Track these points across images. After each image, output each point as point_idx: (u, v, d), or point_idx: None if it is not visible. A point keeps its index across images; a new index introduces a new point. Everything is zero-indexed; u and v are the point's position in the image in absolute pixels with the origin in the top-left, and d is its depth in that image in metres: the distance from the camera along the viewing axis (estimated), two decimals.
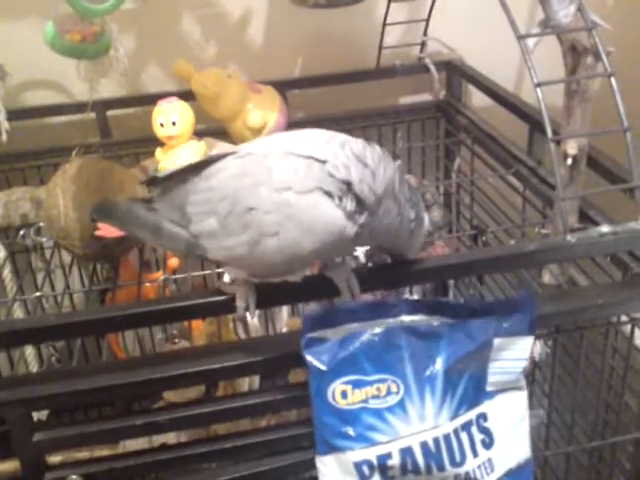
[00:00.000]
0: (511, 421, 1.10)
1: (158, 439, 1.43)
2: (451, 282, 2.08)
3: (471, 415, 1.07)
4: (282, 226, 1.02)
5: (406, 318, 1.06)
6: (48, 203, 1.46)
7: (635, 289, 1.24)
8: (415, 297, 2.00)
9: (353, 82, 2.16)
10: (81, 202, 1.44)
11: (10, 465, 1.45)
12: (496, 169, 1.87)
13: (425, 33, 2.14)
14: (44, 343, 1.73)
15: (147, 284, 1.69)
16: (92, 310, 1.36)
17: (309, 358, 1.03)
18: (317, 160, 1.03)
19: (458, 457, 1.06)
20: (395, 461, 1.04)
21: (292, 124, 1.92)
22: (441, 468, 1.05)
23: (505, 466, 1.10)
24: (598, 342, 1.37)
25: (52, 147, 2.01)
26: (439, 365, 1.04)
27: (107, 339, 1.77)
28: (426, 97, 2.26)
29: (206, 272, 1.66)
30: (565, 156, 1.35)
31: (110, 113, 2.06)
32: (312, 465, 1.08)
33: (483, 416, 1.08)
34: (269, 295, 1.16)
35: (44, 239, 1.70)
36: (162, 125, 1.62)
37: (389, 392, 1.04)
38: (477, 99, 2.19)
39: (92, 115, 2.02)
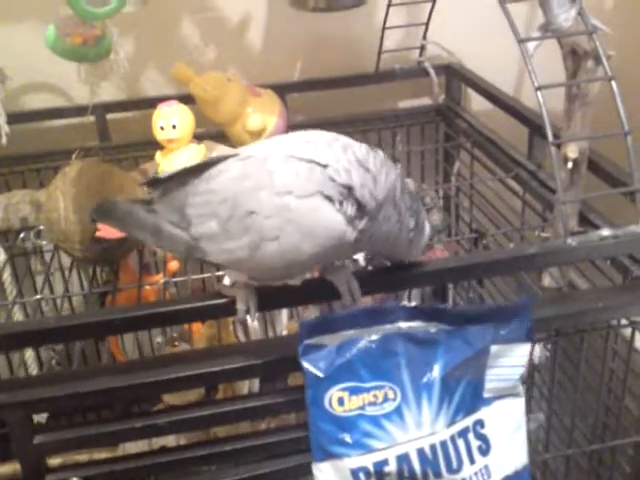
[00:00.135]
0: (508, 428, 1.09)
1: (158, 442, 1.43)
2: (450, 285, 2.08)
3: (468, 422, 1.07)
4: (282, 230, 1.02)
5: (403, 325, 1.06)
6: (48, 206, 1.46)
7: (635, 292, 1.24)
8: (414, 301, 2.01)
9: (352, 86, 2.16)
10: (81, 205, 1.44)
11: (9, 467, 1.46)
12: (496, 173, 1.87)
13: (424, 37, 2.14)
14: (44, 346, 1.73)
15: (147, 287, 1.68)
16: (92, 313, 1.36)
17: (306, 365, 1.03)
18: (318, 164, 1.03)
19: (455, 464, 1.05)
20: (392, 468, 1.03)
21: (292, 128, 1.91)
22: (438, 475, 1.05)
23: (502, 473, 1.09)
24: (598, 345, 1.37)
25: (51, 150, 2.01)
26: (436, 372, 1.04)
27: (107, 342, 1.77)
28: (425, 101, 2.26)
29: (206, 275, 1.65)
30: (566, 160, 1.35)
31: (109, 116, 2.06)
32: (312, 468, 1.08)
33: (480, 423, 1.08)
34: (270, 298, 1.16)
35: (44, 242, 1.69)
36: (162, 128, 1.62)
37: (386, 399, 1.03)
38: (476, 103, 2.19)
39: (91, 118, 2.01)
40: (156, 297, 1.71)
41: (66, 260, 1.83)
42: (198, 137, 1.72)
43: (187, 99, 1.74)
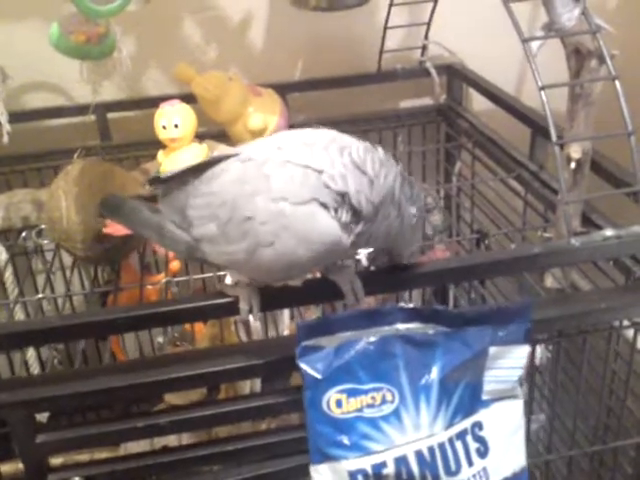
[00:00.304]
0: (506, 430, 1.09)
1: (159, 441, 1.42)
2: (451, 286, 2.08)
3: (466, 424, 1.07)
4: (278, 236, 1.02)
5: (401, 326, 1.05)
6: (50, 205, 1.46)
7: (638, 293, 1.24)
8: (414, 302, 2.01)
9: (354, 85, 2.16)
10: (83, 204, 1.44)
11: (11, 467, 1.46)
12: (497, 173, 1.87)
13: (426, 37, 2.14)
14: (47, 345, 1.73)
15: (149, 287, 1.68)
16: (95, 312, 1.36)
17: (304, 366, 1.02)
18: (314, 170, 1.03)
19: (453, 466, 1.05)
20: (390, 470, 1.03)
21: (292, 127, 1.91)
22: (436, 477, 1.05)
23: (500, 475, 1.09)
24: (600, 347, 1.36)
25: (52, 150, 2.01)
26: (434, 374, 1.04)
27: (109, 342, 1.77)
28: (427, 101, 2.26)
29: (207, 275, 1.65)
30: (569, 160, 1.34)
31: (110, 116, 2.05)
32: None
33: (478, 425, 1.08)
34: (272, 298, 1.16)
35: (45, 241, 1.69)
36: (164, 127, 1.62)
37: (384, 401, 1.03)
38: (478, 103, 2.19)
39: (92, 118, 2.01)
40: (157, 297, 1.71)
41: (67, 259, 1.83)
42: (199, 136, 1.72)
43: (188, 98, 1.74)
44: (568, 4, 1.26)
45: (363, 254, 1.49)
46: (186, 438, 1.48)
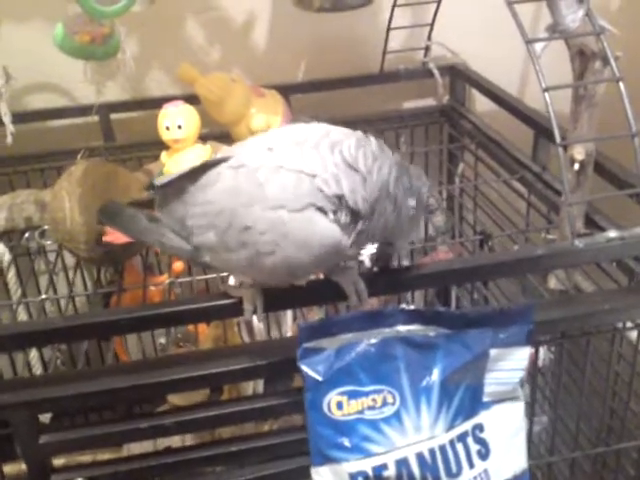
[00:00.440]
0: (507, 432, 1.09)
1: (163, 442, 1.42)
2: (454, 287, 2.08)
3: (467, 426, 1.07)
4: (278, 245, 1.02)
5: (402, 328, 1.05)
6: (53, 206, 1.46)
7: None
8: (417, 302, 2.01)
9: (357, 86, 2.16)
10: (87, 205, 1.44)
11: (14, 468, 1.46)
12: (500, 174, 1.87)
13: (429, 38, 2.14)
14: (50, 346, 1.73)
15: (152, 288, 1.68)
16: (99, 313, 1.36)
17: (305, 368, 1.02)
18: (307, 174, 1.03)
19: (454, 468, 1.05)
20: (391, 472, 1.03)
21: None
22: (437, 479, 1.04)
23: (501, 477, 1.09)
24: (603, 348, 1.36)
25: (55, 150, 2.01)
26: (435, 376, 1.04)
27: (112, 342, 1.77)
28: (430, 102, 2.26)
29: (210, 276, 1.65)
30: (572, 161, 1.34)
31: (114, 116, 2.06)
32: None
33: (479, 427, 1.07)
34: (276, 299, 1.16)
35: (48, 242, 1.69)
36: (168, 128, 1.62)
37: (385, 403, 1.03)
38: (481, 104, 2.19)
39: (95, 118, 2.01)
40: (161, 298, 1.71)
41: (70, 260, 1.83)
42: (203, 137, 1.72)
43: (192, 99, 1.74)
44: (572, 5, 1.26)
45: (366, 255, 1.49)
46: (189, 439, 1.48)
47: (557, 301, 1.36)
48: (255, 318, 1.14)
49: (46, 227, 1.66)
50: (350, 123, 2.00)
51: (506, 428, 1.09)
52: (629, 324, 1.30)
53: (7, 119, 1.80)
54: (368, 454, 1.03)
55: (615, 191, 1.48)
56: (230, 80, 1.80)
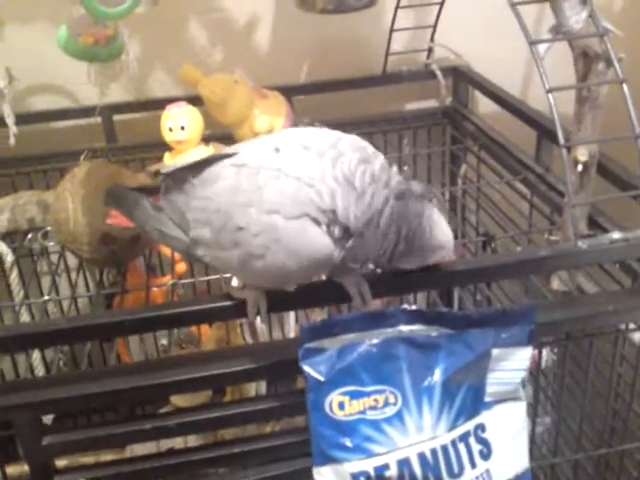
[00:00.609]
0: (509, 432, 1.09)
1: (165, 444, 1.42)
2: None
3: (469, 426, 1.06)
4: (269, 249, 1.03)
5: (404, 328, 1.04)
6: (56, 207, 1.46)
7: None
8: (418, 303, 2.01)
9: (359, 88, 2.16)
10: (90, 206, 1.44)
11: (16, 469, 1.46)
12: (503, 175, 1.87)
13: (432, 39, 2.14)
14: (53, 347, 1.73)
15: (155, 289, 1.68)
16: (103, 314, 1.35)
17: (306, 369, 1.02)
18: (305, 183, 1.03)
19: (456, 468, 1.05)
20: (393, 472, 1.03)
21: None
22: (439, 479, 1.05)
23: (503, 477, 1.09)
24: (606, 350, 1.36)
25: (58, 152, 2.01)
26: (437, 376, 1.04)
27: (115, 343, 1.77)
28: (432, 103, 2.26)
29: (213, 277, 1.65)
30: (576, 163, 1.34)
31: (116, 118, 2.06)
32: None
33: (481, 427, 1.07)
34: (280, 300, 1.16)
35: (51, 243, 1.69)
36: (171, 130, 1.62)
37: (387, 403, 1.03)
38: (483, 105, 2.19)
39: (98, 120, 2.01)
40: (163, 299, 1.71)
41: (73, 262, 1.83)
42: (205, 139, 1.72)
43: (194, 100, 1.74)
44: (576, 7, 1.26)
45: None
46: (192, 440, 1.48)
47: (560, 302, 1.36)
48: (258, 319, 1.14)
49: (49, 228, 1.66)
50: (353, 124, 2.05)
51: (508, 428, 1.09)
52: (632, 325, 1.30)
53: (10, 120, 1.80)
54: (370, 454, 1.03)
55: (618, 193, 1.47)
56: (233, 81, 1.80)
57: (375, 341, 1.03)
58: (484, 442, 1.07)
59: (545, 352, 1.48)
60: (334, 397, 1.02)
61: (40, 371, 1.81)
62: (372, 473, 1.02)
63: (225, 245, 1.07)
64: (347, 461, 1.02)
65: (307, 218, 1.02)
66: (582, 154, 1.33)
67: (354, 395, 1.02)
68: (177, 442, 1.45)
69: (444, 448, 1.04)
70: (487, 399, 1.07)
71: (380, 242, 1.07)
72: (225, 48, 2.11)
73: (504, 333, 1.05)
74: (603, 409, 1.40)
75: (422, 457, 1.03)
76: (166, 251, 1.68)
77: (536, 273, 1.48)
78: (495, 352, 1.05)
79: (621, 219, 1.42)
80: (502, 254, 1.60)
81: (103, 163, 1.68)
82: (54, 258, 1.79)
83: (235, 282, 1.42)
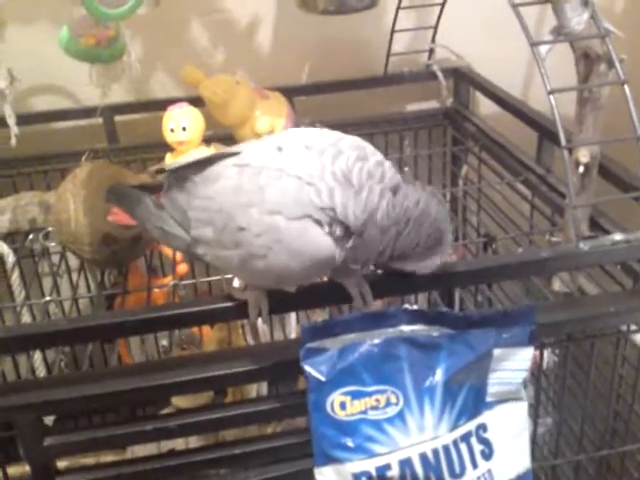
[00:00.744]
0: (511, 432, 1.09)
1: (167, 445, 1.42)
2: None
3: (471, 426, 1.06)
4: (271, 249, 1.03)
5: (405, 328, 1.05)
6: (58, 207, 1.46)
7: None
8: (419, 304, 2.01)
9: (360, 89, 2.16)
10: (91, 207, 1.44)
11: (17, 469, 1.46)
12: (504, 176, 1.86)
13: (433, 40, 2.14)
14: (55, 348, 1.72)
15: (156, 290, 1.68)
16: (104, 315, 1.35)
17: (308, 369, 1.02)
18: (305, 182, 1.03)
19: (457, 468, 1.05)
20: (394, 472, 1.03)
21: None
22: (440, 479, 1.05)
23: (505, 477, 1.09)
24: (607, 351, 1.36)
25: (59, 152, 2.01)
26: (439, 376, 1.04)
27: (117, 344, 1.77)
28: (433, 104, 2.26)
29: (214, 278, 1.65)
30: (577, 164, 1.34)
31: (118, 118, 2.06)
32: None
33: (483, 427, 1.07)
34: (281, 301, 1.16)
35: (52, 244, 1.69)
36: (172, 130, 1.62)
37: (388, 403, 1.03)
38: (484, 106, 2.19)
39: (99, 120, 2.01)
40: (165, 300, 1.71)
41: (74, 262, 1.83)
42: (207, 140, 1.72)
43: (196, 101, 1.74)
44: (577, 8, 1.26)
45: None
46: (193, 441, 1.48)
47: (561, 304, 1.36)
48: (260, 320, 1.14)
49: (50, 229, 1.67)
50: (354, 125, 2.05)
51: (509, 428, 1.09)
52: (633, 327, 1.30)
53: (11, 121, 1.80)
54: (371, 454, 1.03)
55: (620, 194, 1.47)
56: (234, 82, 1.80)
57: (376, 341, 1.03)
58: (486, 442, 1.07)
59: (546, 353, 1.48)
60: (335, 397, 1.02)
61: (41, 372, 1.81)
62: (374, 473, 1.03)
63: (226, 245, 1.07)
64: (349, 461, 1.03)
65: (309, 219, 1.02)
66: (583, 155, 1.33)
67: (355, 395, 1.02)
68: (178, 443, 1.45)
69: (446, 448, 1.05)
70: (488, 399, 1.07)
71: (379, 239, 1.07)
72: (226, 49, 2.11)
73: (505, 333, 1.05)
74: (604, 410, 1.40)
75: (424, 457, 1.03)
76: (167, 252, 1.68)
77: (537, 274, 1.48)
78: (496, 352, 1.06)
79: (622, 220, 1.42)
80: (503, 255, 1.60)
81: (104, 164, 1.68)
82: (55, 259, 1.79)
83: (236, 283, 1.42)
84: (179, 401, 1.58)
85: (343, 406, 1.02)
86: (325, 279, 1.20)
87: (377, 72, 2.15)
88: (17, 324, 1.61)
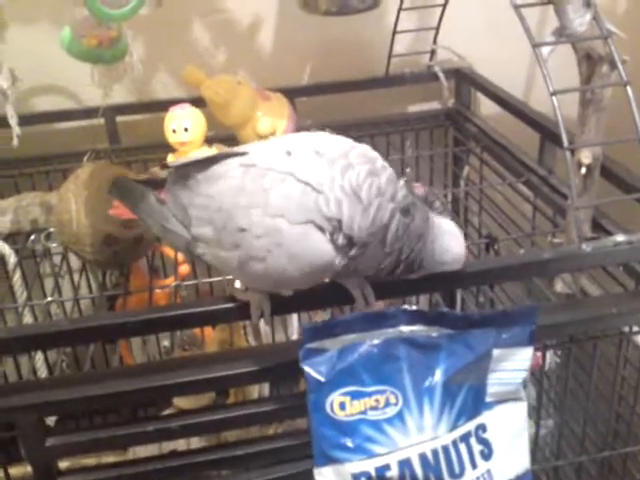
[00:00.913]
0: (510, 432, 1.09)
1: (168, 446, 1.42)
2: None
3: (470, 426, 1.06)
4: (270, 252, 1.03)
5: (405, 329, 1.04)
6: (60, 208, 1.46)
7: None
8: (421, 304, 2.00)
9: (362, 90, 2.16)
10: (93, 207, 1.44)
11: (18, 470, 1.46)
12: (505, 177, 1.86)
13: (435, 41, 2.14)
14: (57, 348, 1.73)
15: (158, 291, 1.68)
16: (106, 315, 1.35)
17: (307, 369, 1.02)
18: (313, 189, 1.03)
19: (457, 469, 1.05)
20: (393, 473, 1.03)
21: (300, 131, 1.91)
22: None
23: (504, 477, 1.09)
24: (610, 352, 1.36)
25: (61, 153, 2.01)
26: (438, 376, 1.04)
27: (118, 345, 1.77)
28: (435, 105, 2.26)
29: (216, 279, 1.65)
30: (579, 165, 1.34)
31: (119, 119, 2.05)
32: None
33: (482, 427, 1.07)
34: (283, 302, 1.16)
35: (54, 244, 1.69)
36: (174, 131, 1.62)
37: (388, 403, 1.03)
38: (486, 107, 2.19)
39: (101, 121, 2.01)
40: (167, 301, 1.71)
41: (76, 263, 1.83)
42: (208, 140, 1.72)
43: (197, 102, 1.74)
44: (579, 9, 1.25)
45: None
46: (194, 442, 1.48)
47: (563, 305, 1.36)
48: (262, 322, 1.13)
49: (52, 229, 1.67)
50: (356, 126, 2.05)
51: (509, 428, 1.09)
52: (636, 328, 1.31)
53: (13, 121, 1.79)
54: (371, 455, 1.03)
55: (622, 195, 1.47)
56: (236, 83, 1.79)
57: (376, 341, 1.03)
58: (485, 442, 1.07)
59: (548, 355, 1.48)
60: (335, 397, 1.02)
61: (43, 373, 1.81)
62: (373, 473, 1.02)
63: (226, 245, 1.07)
64: (348, 461, 1.02)
65: (311, 225, 1.02)
66: (586, 157, 1.33)
67: (355, 395, 1.02)
68: (180, 444, 1.45)
69: (445, 448, 1.04)
70: (488, 399, 1.07)
71: (382, 258, 1.07)
72: (228, 49, 2.11)
73: (505, 333, 1.05)
74: (606, 412, 1.40)
75: (423, 457, 1.03)
76: (169, 252, 1.68)
77: (539, 275, 1.48)
78: (496, 352, 1.05)
79: (625, 222, 1.42)
80: (505, 256, 1.60)
81: (106, 164, 1.68)
82: (57, 259, 1.80)
83: (238, 284, 1.42)
84: (181, 402, 1.58)
85: (342, 406, 1.02)
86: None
87: (379, 73, 2.15)
88: (19, 325, 1.61)
